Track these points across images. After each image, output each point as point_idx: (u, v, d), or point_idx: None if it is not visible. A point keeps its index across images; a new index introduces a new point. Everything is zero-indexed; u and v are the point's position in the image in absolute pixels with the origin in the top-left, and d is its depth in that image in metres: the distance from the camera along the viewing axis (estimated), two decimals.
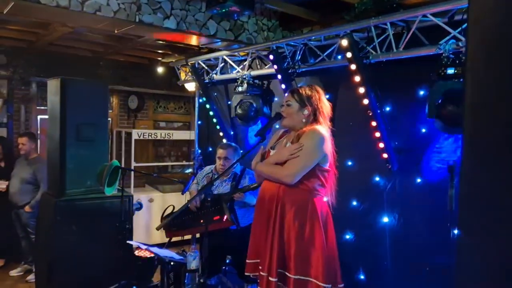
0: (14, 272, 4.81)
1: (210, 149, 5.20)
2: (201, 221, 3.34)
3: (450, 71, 2.53)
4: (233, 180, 3.66)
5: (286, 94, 2.74)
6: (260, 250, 2.52)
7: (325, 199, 2.59)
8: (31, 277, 4.56)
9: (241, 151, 4.06)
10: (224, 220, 3.25)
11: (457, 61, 2.55)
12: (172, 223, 3.53)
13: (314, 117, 2.57)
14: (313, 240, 2.42)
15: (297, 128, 2.58)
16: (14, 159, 4.94)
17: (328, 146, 2.51)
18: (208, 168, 3.95)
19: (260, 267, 2.49)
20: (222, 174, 3.58)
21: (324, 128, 2.55)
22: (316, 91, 2.61)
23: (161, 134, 6.66)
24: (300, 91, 2.60)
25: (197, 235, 3.93)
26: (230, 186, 3.64)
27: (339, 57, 3.46)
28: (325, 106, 2.62)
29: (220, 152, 3.74)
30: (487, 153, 1.05)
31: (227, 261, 3.98)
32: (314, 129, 2.50)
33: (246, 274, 2.65)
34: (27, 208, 4.56)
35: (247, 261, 2.61)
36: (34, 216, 4.47)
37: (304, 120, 2.56)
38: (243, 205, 3.57)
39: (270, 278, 2.41)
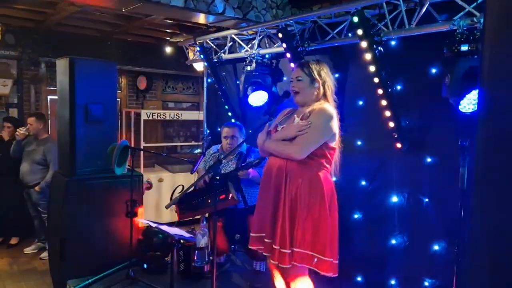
0: (28, 250, 4.92)
1: (219, 129, 5.20)
2: (209, 201, 3.36)
3: (464, 47, 2.47)
4: (238, 159, 3.67)
5: (294, 69, 2.71)
6: (266, 224, 2.54)
7: (333, 178, 2.59)
8: (44, 255, 4.66)
9: (250, 131, 4.05)
10: (229, 198, 3.27)
11: (471, 38, 2.49)
12: (183, 204, 3.56)
13: (324, 93, 2.58)
14: (318, 215, 2.43)
15: (308, 104, 2.57)
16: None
17: (337, 125, 2.52)
18: (214, 148, 3.96)
19: (270, 241, 2.50)
20: (230, 153, 3.59)
21: (332, 106, 2.56)
22: (323, 65, 2.61)
23: (170, 114, 6.66)
24: (309, 65, 2.59)
25: (206, 215, 3.96)
26: (236, 165, 3.65)
27: (350, 34, 3.40)
28: (331, 80, 2.63)
29: (226, 131, 3.74)
30: (503, 129, 1.02)
31: (236, 239, 4.02)
32: (323, 108, 2.51)
33: (250, 247, 2.66)
34: (36, 188, 4.62)
35: (252, 234, 2.63)
36: (45, 197, 4.54)
37: (315, 93, 2.56)
38: (251, 184, 3.58)
39: (283, 250, 2.43)
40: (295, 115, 2.61)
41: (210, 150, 3.99)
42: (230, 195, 3.29)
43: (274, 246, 2.46)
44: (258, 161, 3.25)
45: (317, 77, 2.55)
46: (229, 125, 3.81)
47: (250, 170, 3.42)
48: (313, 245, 2.42)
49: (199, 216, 4.00)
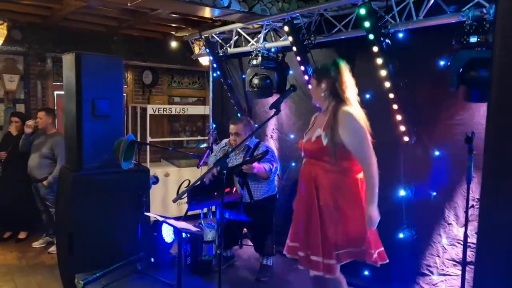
0: (36, 244, 4.96)
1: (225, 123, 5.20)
2: (215, 193, 3.37)
3: (473, 39, 2.44)
4: (246, 153, 3.67)
5: None
6: (299, 234, 2.57)
7: (359, 175, 2.55)
8: (52, 249, 4.69)
9: (256, 125, 4.04)
10: (233, 192, 3.28)
11: (481, 29, 2.45)
12: (193, 197, 3.58)
13: (335, 92, 2.52)
14: (349, 217, 2.46)
15: (322, 104, 2.60)
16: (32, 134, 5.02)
17: (363, 120, 2.52)
18: (223, 142, 3.97)
19: (309, 252, 2.53)
20: (236, 148, 3.59)
21: (348, 105, 2.51)
22: (334, 65, 2.56)
23: (175, 109, 6.66)
24: (318, 68, 2.65)
25: (213, 209, 3.97)
26: (243, 159, 3.65)
27: (357, 27, 3.37)
28: (344, 77, 2.54)
29: (231, 127, 3.74)
30: None
31: (243, 234, 4.02)
32: (345, 112, 2.46)
33: (286, 255, 2.71)
34: (45, 183, 4.65)
35: (288, 243, 2.67)
36: (53, 191, 4.56)
37: (322, 95, 2.56)
38: (257, 178, 3.58)
39: (314, 258, 2.47)
40: (317, 125, 2.60)
41: (220, 144, 4.00)
42: (234, 189, 3.30)
43: (302, 254, 2.52)
44: (261, 155, 3.25)
45: (321, 78, 2.55)
46: (234, 121, 3.81)
47: (255, 164, 3.41)
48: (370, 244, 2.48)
49: (206, 210, 4.01)
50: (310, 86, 2.67)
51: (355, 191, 2.50)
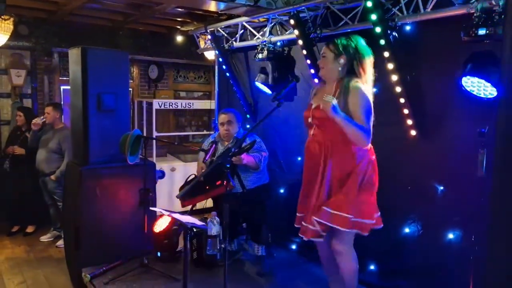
0: (44, 238, 5.00)
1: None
2: (207, 187, 3.38)
3: (482, 31, 2.40)
4: (234, 144, 3.66)
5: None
6: (305, 204, 2.69)
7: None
8: (60, 243, 4.73)
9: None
10: (224, 184, 3.29)
11: (489, 21, 2.41)
12: (185, 194, 3.59)
13: (352, 67, 2.58)
14: (347, 189, 2.55)
15: (333, 79, 2.60)
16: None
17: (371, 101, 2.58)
18: (212, 136, 3.99)
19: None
20: (238, 141, 3.60)
21: (363, 84, 2.57)
22: (352, 40, 2.60)
23: (181, 104, 6.67)
24: (336, 41, 2.62)
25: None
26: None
27: (363, 20, 3.33)
28: (364, 54, 2.59)
29: (222, 117, 3.76)
30: None
31: (243, 225, 4.01)
32: (357, 87, 2.53)
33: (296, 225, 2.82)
34: (52, 177, 4.69)
35: (297, 214, 2.80)
36: (61, 185, 4.59)
37: (340, 69, 2.59)
38: (247, 169, 3.58)
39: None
40: (323, 91, 2.64)
41: (208, 139, 4.01)
42: (225, 181, 3.31)
43: (305, 223, 2.62)
44: (249, 146, 3.26)
45: (342, 51, 2.55)
46: (225, 111, 3.83)
47: (243, 155, 3.42)
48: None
49: (211, 204, 4.01)
50: (322, 59, 2.64)
51: (364, 163, 2.58)
